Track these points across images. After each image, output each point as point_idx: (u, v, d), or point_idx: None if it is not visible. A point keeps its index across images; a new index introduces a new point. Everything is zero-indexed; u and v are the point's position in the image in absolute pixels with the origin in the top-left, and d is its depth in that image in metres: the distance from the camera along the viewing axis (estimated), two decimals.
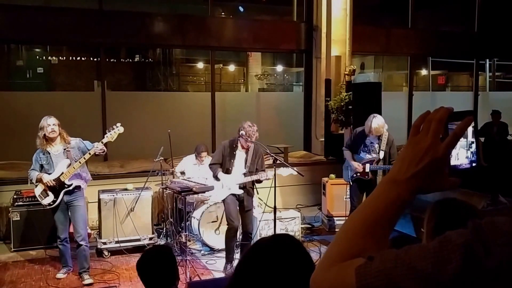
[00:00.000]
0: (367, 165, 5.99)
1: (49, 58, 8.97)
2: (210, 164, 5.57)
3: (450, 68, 12.94)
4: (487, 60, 12.57)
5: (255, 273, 1.34)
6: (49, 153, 5.15)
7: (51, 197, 5.18)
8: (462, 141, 0.90)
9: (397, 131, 10.09)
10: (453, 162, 0.92)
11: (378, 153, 5.95)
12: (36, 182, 5.17)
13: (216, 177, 5.48)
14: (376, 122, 5.74)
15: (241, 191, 5.49)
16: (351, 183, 6.19)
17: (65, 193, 5.19)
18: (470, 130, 0.91)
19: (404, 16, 10.60)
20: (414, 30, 10.62)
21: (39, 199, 5.25)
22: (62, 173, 5.14)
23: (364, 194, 6.26)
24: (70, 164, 5.16)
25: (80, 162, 5.14)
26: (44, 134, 5.08)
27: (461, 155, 0.94)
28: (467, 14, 11.41)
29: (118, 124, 5.26)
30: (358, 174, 6.08)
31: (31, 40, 8.30)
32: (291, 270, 1.32)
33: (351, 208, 6.28)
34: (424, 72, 12.59)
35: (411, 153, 0.88)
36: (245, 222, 5.58)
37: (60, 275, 5.41)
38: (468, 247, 0.77)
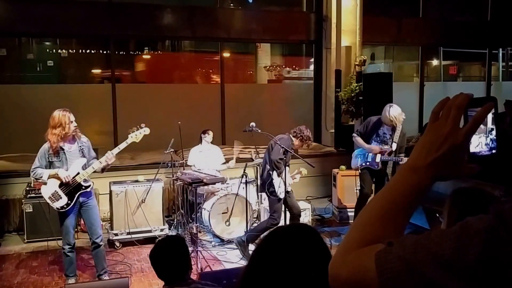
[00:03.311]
0: (378, 156, 5.95)
1: (59, 51, 8.99)
2: (280, 159, 5.48)
3: (461, 58, 12.77)
4: (500, 49, 12.39)
5: (271, 261, 1.33)
6: (63, 149, 4.67)
7: (64, 199, 4.68)
8: (481, 128, 0.88)
9: (408, 122, 10.05)
10: (473, 149, 0.90)
11: (391, 145, 5.89)
12: (47, 179, 4.63)
13: (280, 174, 5.55)
14: (394, 111, 5.70)
15: (289, 188, 5.69)
16: (360, 171, 6.15)
17: (81, 194, 4.77)
18: (490, 116, 0.89)
19: (415, 5, 10.47)
20: (425, 20, 10.49)
21: (49, 202, 4.70)
22: (78, 173, 4.70)
23: (373, 184, 6.26)
24: (85, 164, 4.76)
25: (101, 162, 4.74)
26: (65, 133, 4.59)
27: (481, 142, 0.92)
28: (480, 3, 11.24)
29: (143, 125, 5.02)
30: (368, 163, 6.06)
31: (41, 34, 8.34)
32: (308, 258, 1.31)
33: (360, 195, 6.26)
34: (435, 62, 12.45)
35: (430, 139, 0.87)
36: (295, 206, 5.81)
37: (71, 280, 4.90)
38: (490, 232, 0.75)
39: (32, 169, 4.70)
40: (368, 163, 6.05)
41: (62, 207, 4.69)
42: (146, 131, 5.01)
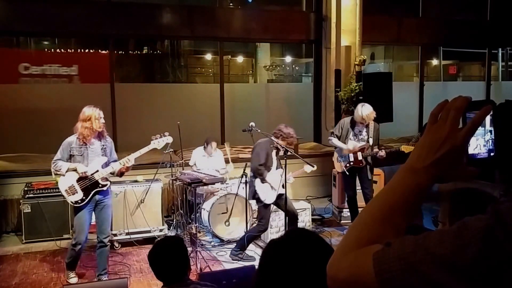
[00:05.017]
0: (359, 154, 6.23)
1: (58, 50, 8.98)
2: (259, 165, 5.43)
3: (461, 58, 12.76)
4: (500, 49, 12.37)
5: (282, 268, 1.31)
6: (86, 145, 4.72)
7: (79, 194, 4.72)
8: (480, 130, 0.89)
9: (408, 122, 10.05)
10: (471, 151, 0.89)
11: (367, 140, 6.23)
12: (66, 172, 4.69)
13: (264, 180, 5.47)
14: (366, 109, 6.06)
15: (283, 190, 5.58)
16: (347, 173, 6.36)
17: (97, 192, 4.80)
18: (488, 119, 0.89)
19: (415, 5, 10.45)
20: (425, 19, 10.48)
21: (65, 195, 4.74)
22: (97, 171, 4.74)
23: (357, 179, 6.49)
24: (106, 163, 4.79)
25: (120, 164, 4.78)
26: (94, 128, 4.65)
27: (479, 144, 0.92)
28: (479, 2, 11.22)
29: (167, 133, 5.09)
30: (352, 163, 6.30)
31: (40, 33, 8.31)
32: (318, 267, 1.30)
33: (347, 198, 6.62)
34: (435, 62, 12.44)
35: (429, 141, 0.87)
36: (291, 208, 5.67)
37: (73, 280, 5.00)
38: (488, 231, 0.76)
39: (53, 161, 4.75)
40: (352, 163, 6.31)
41: (76, 202, 4.73)
42: (169, 139, 5.12)
